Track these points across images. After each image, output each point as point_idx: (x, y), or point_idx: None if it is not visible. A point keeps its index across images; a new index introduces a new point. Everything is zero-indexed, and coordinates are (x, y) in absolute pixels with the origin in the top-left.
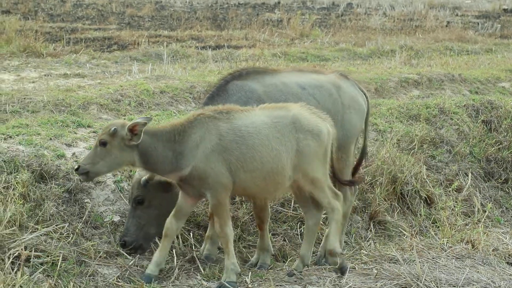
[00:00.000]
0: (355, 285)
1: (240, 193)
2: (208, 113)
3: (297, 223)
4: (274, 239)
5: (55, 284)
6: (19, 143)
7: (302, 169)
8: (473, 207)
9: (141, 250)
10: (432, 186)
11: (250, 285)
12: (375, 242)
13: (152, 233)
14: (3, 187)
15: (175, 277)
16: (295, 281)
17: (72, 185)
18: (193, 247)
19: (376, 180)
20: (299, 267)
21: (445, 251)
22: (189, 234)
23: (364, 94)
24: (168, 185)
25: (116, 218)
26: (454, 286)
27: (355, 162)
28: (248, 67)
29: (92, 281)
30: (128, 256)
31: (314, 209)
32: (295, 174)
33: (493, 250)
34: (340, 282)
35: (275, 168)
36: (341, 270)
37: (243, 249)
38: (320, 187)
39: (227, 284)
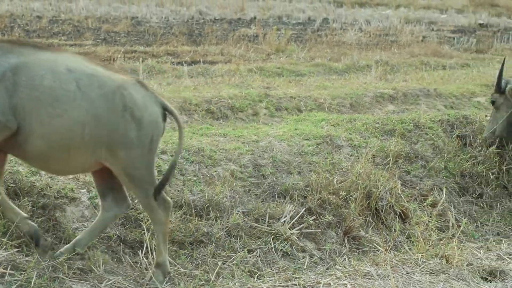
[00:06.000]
0: None
1: None
2: None
3: (272, 239)
4: (249, 255)
5: None
6: None
7: None
8: (448, 222)
9: None
10: (407, 201)
11: None
12: (350, 257)
13: None
14: None
15: None
16: None
17: (46, 201)
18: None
19: (351, 196)
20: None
21: (419, 266)
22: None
23: (171, 113)
24: None
25: None
26: None
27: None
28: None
29: None
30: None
31: None
32: None
33: (467, 265)
34: None
35: None
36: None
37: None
38: None
39: None
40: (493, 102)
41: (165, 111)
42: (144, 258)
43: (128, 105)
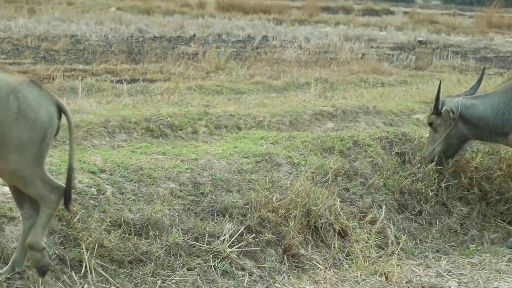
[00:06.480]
0: None
1: None
2: None
3: (211, 257)
4: (189, 274)
5: None
6: None
7: None
8: (387, 239)
9: None
10: (346, 219)
11: None
12: (289, 275)
13: None
14: None
15: None
16: None
17: None
18: None
19: (290, 213)
20: None
21: (359, 284)
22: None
23: (64, 112)
24: None
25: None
26: None
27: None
28: None
29: None
30: None
31: None
32: None
33: (406, 282)
34: None
35: None
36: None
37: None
38: None
39: None
40: (430, 124)
41: (60, 110)
42: (82, 278)
43: (22, 107)
